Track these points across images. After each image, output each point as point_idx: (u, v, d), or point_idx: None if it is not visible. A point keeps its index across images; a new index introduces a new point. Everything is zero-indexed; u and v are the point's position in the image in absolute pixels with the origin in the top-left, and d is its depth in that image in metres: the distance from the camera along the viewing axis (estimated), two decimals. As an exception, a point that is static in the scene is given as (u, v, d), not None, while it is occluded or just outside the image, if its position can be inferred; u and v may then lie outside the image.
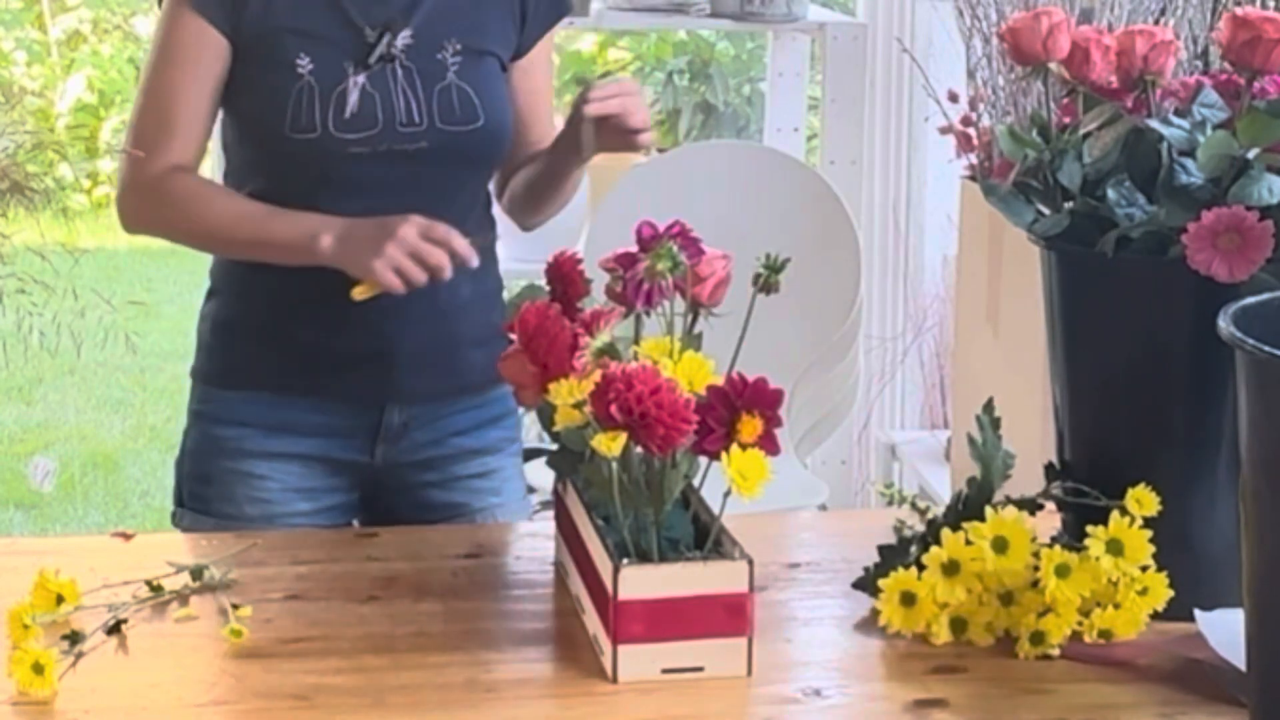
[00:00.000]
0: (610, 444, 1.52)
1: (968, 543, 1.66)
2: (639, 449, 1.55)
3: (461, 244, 2.00)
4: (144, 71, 2.19)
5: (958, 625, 1.67)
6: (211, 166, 3.06)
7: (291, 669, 1.61)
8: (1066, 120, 1.74)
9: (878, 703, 1.59)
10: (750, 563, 1.58)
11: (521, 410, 2.18)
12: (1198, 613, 1.63)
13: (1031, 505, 1.72)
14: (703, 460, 1.59)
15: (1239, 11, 1.68)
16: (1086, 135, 1.71)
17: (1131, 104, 1.73)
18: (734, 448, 1.54)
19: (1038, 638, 1.64)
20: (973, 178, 2.83)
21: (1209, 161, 1.63)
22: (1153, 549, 1.63)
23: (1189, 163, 1.65)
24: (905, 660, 1.65)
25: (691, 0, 3.74)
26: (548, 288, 1.81)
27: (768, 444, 1.56)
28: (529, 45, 2.23)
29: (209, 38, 2.11)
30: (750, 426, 1.55)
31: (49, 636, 1.60)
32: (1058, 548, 1.65)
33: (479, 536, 1.98)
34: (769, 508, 1.73)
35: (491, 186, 2.28)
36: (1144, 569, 1.63)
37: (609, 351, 1.61)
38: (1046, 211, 1.72)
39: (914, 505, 1.85)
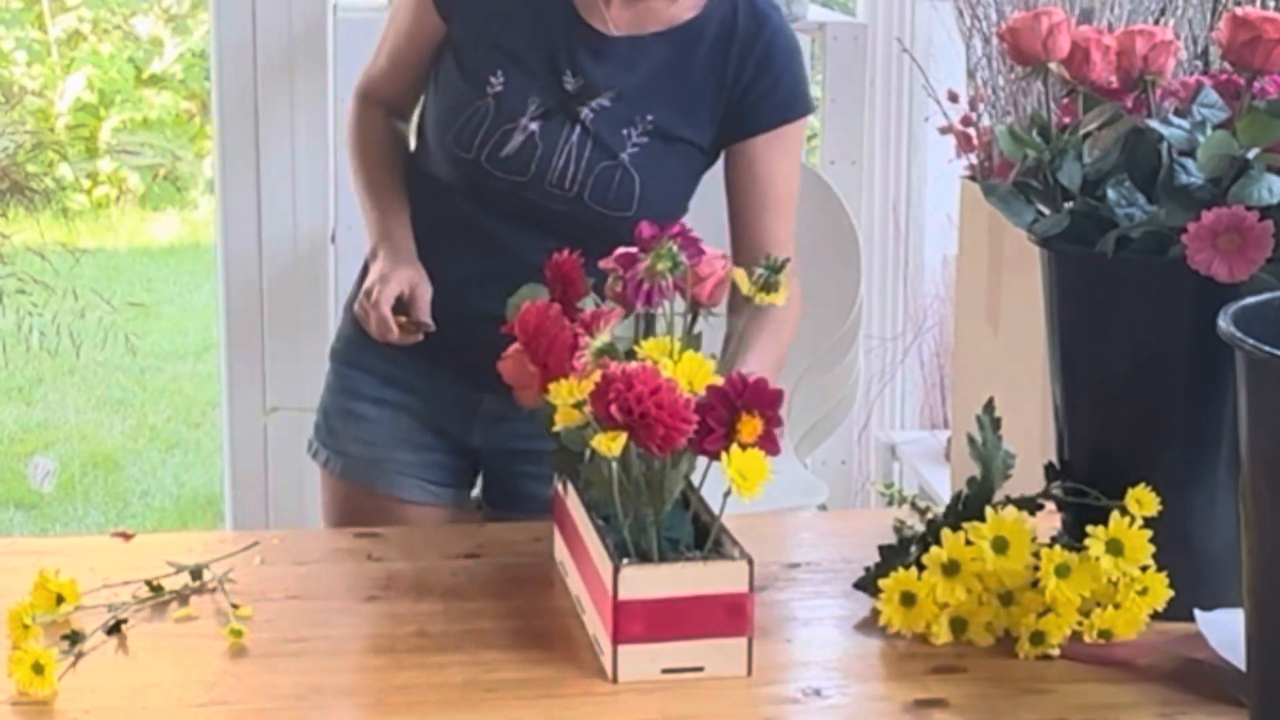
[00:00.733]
0: (610, 444, 1.52)
1: (968, 543, 1.66)
2: (639, 449, 1.55)
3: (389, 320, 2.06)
4: (387, 11, 2.27)
5: (958, 625, 1.67)
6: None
7: (291, 669, 1.61)
8: (1066, 120, 1.74)
9: (878, 703, 1.59)
10: (750, 563, 1.58)
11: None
12: (1198, 613, 1.63)
13: (1031, 505, 1.72)
14: (703, 460, 1.59)
15: (1239, 11, 1.68)
16: (1086, 135, 1.71)
17: (1131, 104, 1.73)
18: (734, 448, 1.54)
19: (1038, 638, 1.64)
20: (973, 178, 2.84)
21: (1209, 161, 1.63)
22: (1153, 549, 1.63)
23: (1189, 163, 1.65)
24: (905, 660, 1.65)
25: (692, 0, 3.74)
26: (548, 288, 1.81)
27: (768, 444, 1.56)
28: (732, 138, 2.12)
29: (428, 14, 2.15)
30: (750, 426, 1.55)
31: (49, 636, 1.61)
32: (1058, 548, 1.65)
33: (479, 536, 1.98)
34: (769, 508, 1.73)
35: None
36: (1144, 569, 1.63)
37: (609, 351, 1.61)
38: (1046, 211, 1.72)
39: (914, 505, 1.85)
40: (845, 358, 3.41)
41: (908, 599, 1.67)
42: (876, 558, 1.76)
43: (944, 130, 2.72)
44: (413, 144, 2.29)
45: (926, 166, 4.03)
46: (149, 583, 1.76)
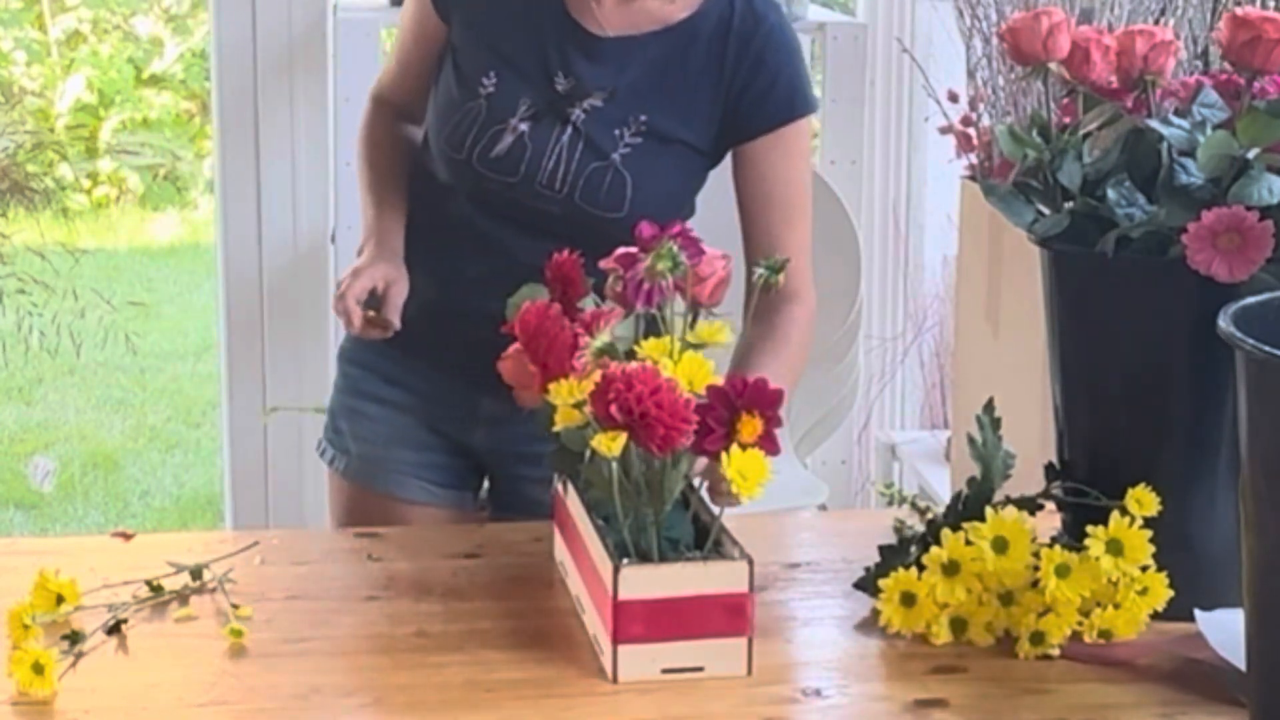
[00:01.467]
0: (610, 444, 1.52)
1: (968, 543, 1.66)
2: (639, 449, 1.55)
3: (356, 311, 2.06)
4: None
5: (958, 625, 1.67)
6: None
7: (291, 669, 1.61)
8: (1066, 120, 1.74)
9: (878, 703, 1.59)
10: (750, 563, 1.58)
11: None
12: (1198, 613, 1.63)
13: (1031, 505, 1.72)
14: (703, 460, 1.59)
15: (1239, 11, 1.68)
16: (1086, 135, 1.71)
17: (1131, 104, 1.73)
18: (734, 448, 1.54)
19: (1038, 638, 1.64)
20: (973, 178, 2.84)
21: (1209, 161, 1.63)
22: (1153, 549, 1.63)
23: (1189, 163, 1.65)
24: (905, 660, 1.65)
25: (691, 0, 3.74)
26: (548, 288, 1.81)
27: (768, 444, 1.56)
28: (737, 140, 2.09)
29: (429, 16, 2.16)
30: (750, 426, 1.55)
31: (49, 636, 1.61)
32: (1058, 548, 1.65)
33: (479, 536, 1.98)
34: (769, 508, 1.73)
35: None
36: (1144, 569, 1.63)
37: (609, 351, 1.61)
38: (1046, 211, 1.72)
39: (914, 505, 1.85)
40: (845, 358, 3.41)
41: (908, 599, 1.67)
42: (876, 558, 1.76)
43: (944, 130, 2.72)
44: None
45: (926, 166, 4.03)
46: (149, 583, 1.76)
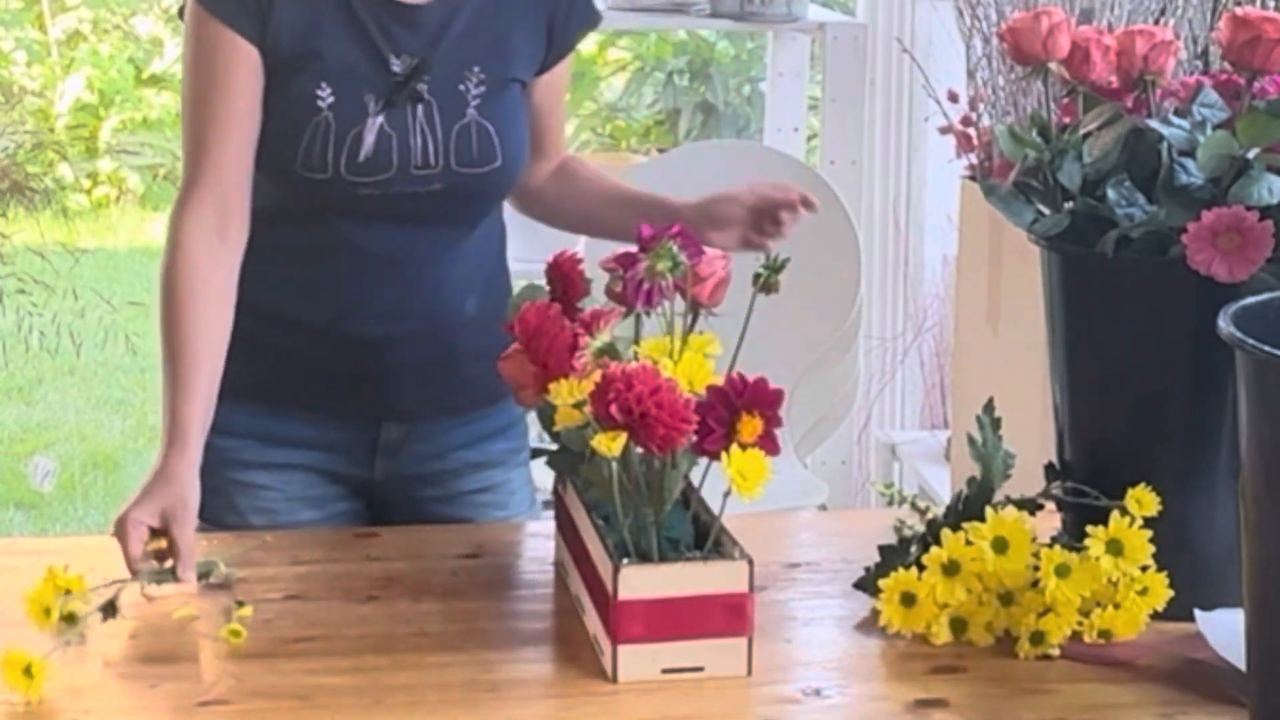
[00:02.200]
0: (610, 444, 1.52)
1: (968, 543, 1.66)
2: (639, 449, 1.55)
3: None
4: (182, 92, 2.05)
5: (958, 625, 1.67)
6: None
7: (291, 669, 1.61)
8: (1066, 120, 1.74)
9: (878, 703, 1.59)
10: (750, 563, 1.58)
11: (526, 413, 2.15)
12: (1198, 613, 1.63)
13: (1031, 505, 1.72)
14: (703, 460, 1.59)
15: (1239, 11, 1.68)
16: (1086, 135, 1.71)
17: (1131, 104, 1.73)
18: (734, 448, 1.54)
19: (1038, 638, 1.64)
20: (973, 178, 2.84)
21: (1209, 161, 1.63)
22: (1153, 549, 1.63)
23: (1189, 163, 1.65)
24: (905, 660, 1.65)
25: (691, 0, 3.74)
26: (548, 288, 1.81)
27: (768, 444, 1.56)
28: (555, 61, 2.11)
29: (240, 51, 1.97)
30: (750, 426, 1.55)
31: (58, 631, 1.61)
32: (1058, 548, 1.65)
33: (479, 536, 1.98)
34: (769, 508, 1.73)
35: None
36: (1144, 569, 1.63)
37: (609, 351, 1.61)
38: (1046, 211, 1.72)
39: (914, 505, 1.85)
40: (845, 358, 3.42)
41: (908, 599, 1.67)
42: (876, 558, 1.76)
43: (944, 130, 2.72)
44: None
45: (926, 166, 4.03)
46: (157, 556, 1.74)
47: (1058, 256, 1.74)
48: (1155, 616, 1.65)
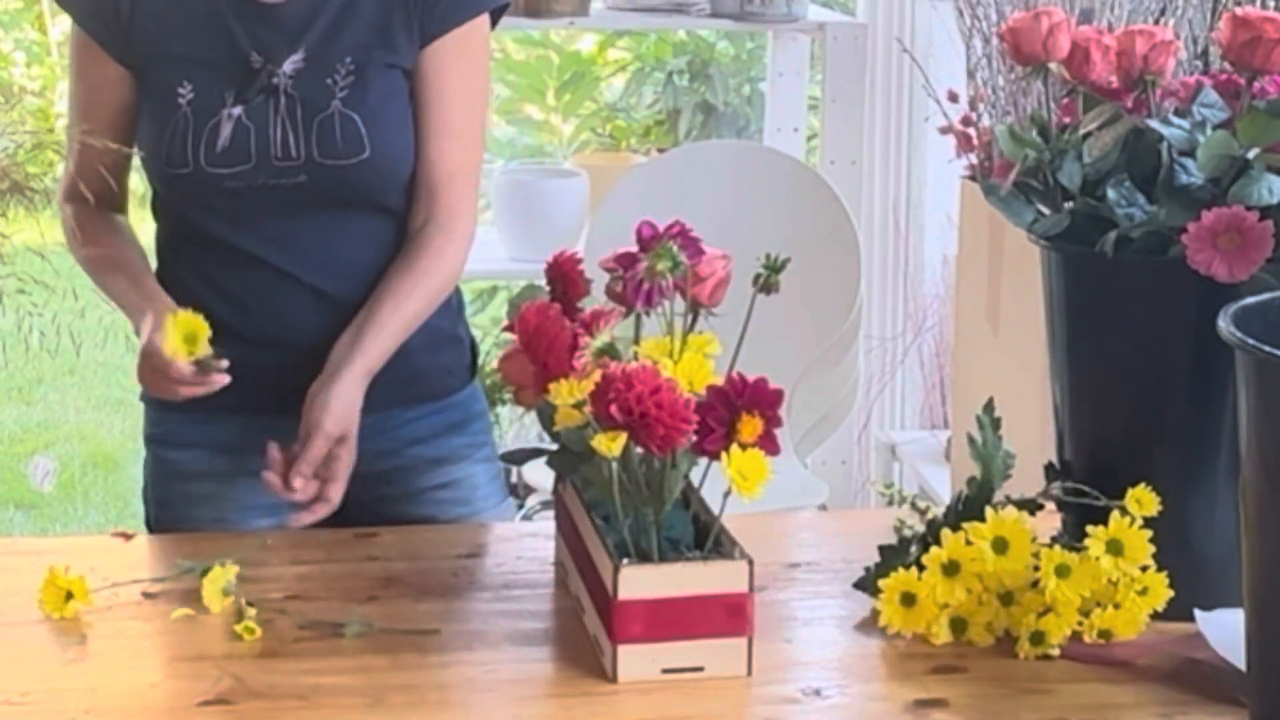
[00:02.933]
0: (610, 444, 1.52)
1: (968, 543, 1.66)
2: (639, 449, 1.55)
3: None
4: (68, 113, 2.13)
5: (958, 625, 1.67)
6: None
7: (291, 669, 1.61)
8: (1066, 120, 1.74)
9: (878, 703, 1.59)
10: (750, 563, 1.58)
11: (503, 410, 2.14)
12: (1198, 613, 1.63)
13: (1031, 505, 1.72)
14: (703, 460, 1.59)
15: (1239, 11, 1.68)
16: (1086, 135, 1.71)
17: (1131, 104, 1.73)
18: (734, 448, 1.54)
19: (1038, 638, 1.64)
20: (973, 178, 2.84)
21: (1209, 161, 1.63)
22: (1153, 549, 1.63)
23: (1189, 163, 1.65)
24: (905, 660, 1.65)
25: (691, 0, 3.74)
26: (548, 288, 1.81)
27: (768, 444, 1.56)
28: (427, 42, 2.05)
29: (107, 66, 2.05)
30: (750, 426, 1.55)
31: (59, 631, 1.61)
32: (1058, 548, 1.65)
33: (479, 536, 1.98)
34: (769, 508, 1.73)
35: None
36: (1144, 569, 1.63)
37: (609, 351, 1.61)
38: (1046, 211, 1.72)
39: (914, 505, 1.85)
40: (845, 358, 3.42)
41: (908, 599, 1.67)
42: (876, 558, 1.76)
43: (944, 130, 2.72)
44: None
45: (926, 166, 4.03)
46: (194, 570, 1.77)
47: (1058, 256, 1.74)
48: (1155, 616, 1.65)
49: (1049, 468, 1.77)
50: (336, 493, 1.96)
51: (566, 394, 1.58)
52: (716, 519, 1.62)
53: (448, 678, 1.60)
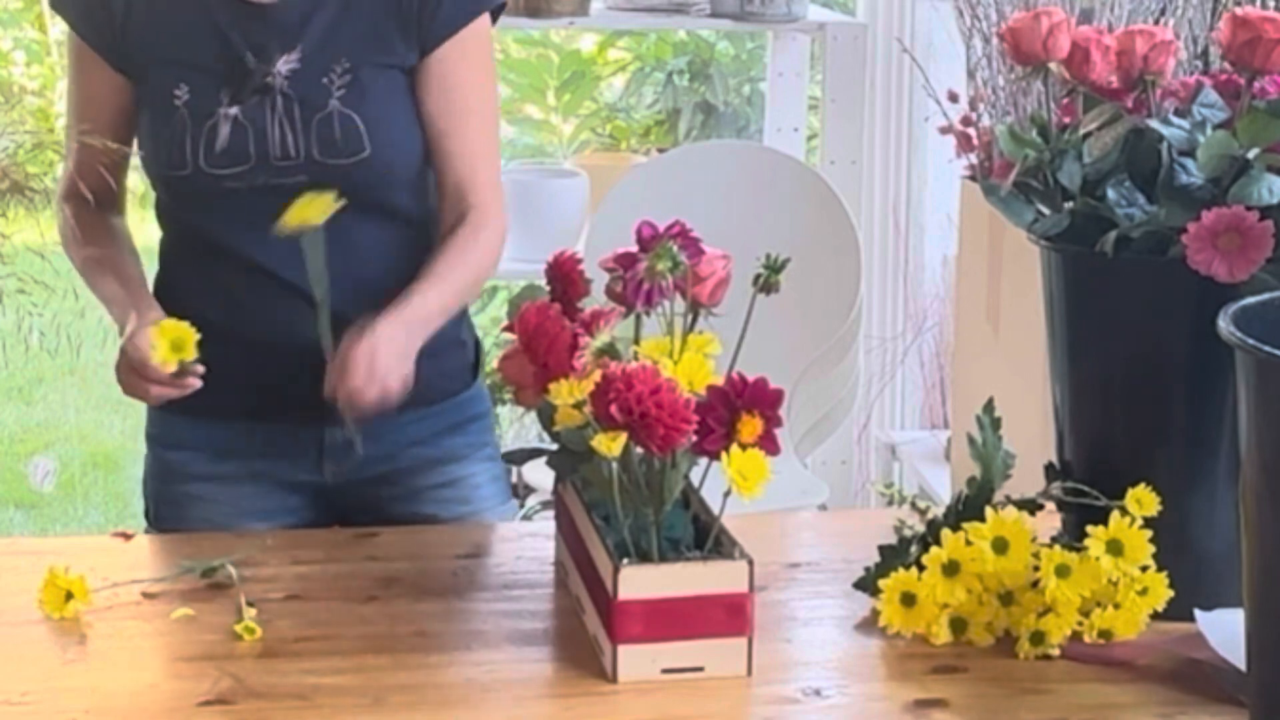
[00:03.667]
0: (610, 444, 1.52)
1: (968, 543, 1.66)
2: (639, 449, 1.55)
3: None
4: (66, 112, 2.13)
5: (958, 625, 1.67)
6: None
7: (291, 669, 1.61)
8: (1066, 120, 1.74)
9: (878, 703, 1.59)
10: (750, 563, 1.58)
11: (503, 410, 2.13)
12: (1198, 613, 1.63)
13: (1031, 505, 1.72)
14: (703, 460, 1.59)
15: (1239, 11, 1.68)
16: (1086, 135, 1.71)
17: (1131, 104, 1.73)
18: (734, 448, 1.54)
19: (1038, 638, 1.64)
20: (973, 178, 2.84)
21: (1209, 161, 1.63)
22: (1153, 549, 1.63)
23: (1189, 163, 1.65)
24: (905, 660, 1.65)
25: (691, 0, 3.74)
26: (547, 288, 1.81)
27: (768, 444, 1.56)
28: (430, 49, 2.06)
29: (103, 71, 2.06)
30: (750, 426, 1.55)
31: (59, 631, 1.61)
32: (1058, 548, 1.65)
33: (479, 536, 1.98)
34: (769, 508, 1.73)
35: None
36: (1144, 569, 1.63)
37: (609, 351, 1.61)
38: (1046, 211, 1.72)
39: (914, 505, 1.85)
40: (845, 358, 3.42)
41: (908, 599, 1.67)
42: (876, 558, 1.76)
43: (944, 130, 2.72)
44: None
45: (926, 166, 4.03)
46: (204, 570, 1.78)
47: (1058, 256, 1.74)
48: (1155, 616, 1.65)
49: (1049, 468, 1.77)
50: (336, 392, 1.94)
51: (566, 394, 1.58)
52: (716, 519, 1.62)
53: (448, 678, 1.60)
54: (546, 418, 1.69)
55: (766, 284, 1.67)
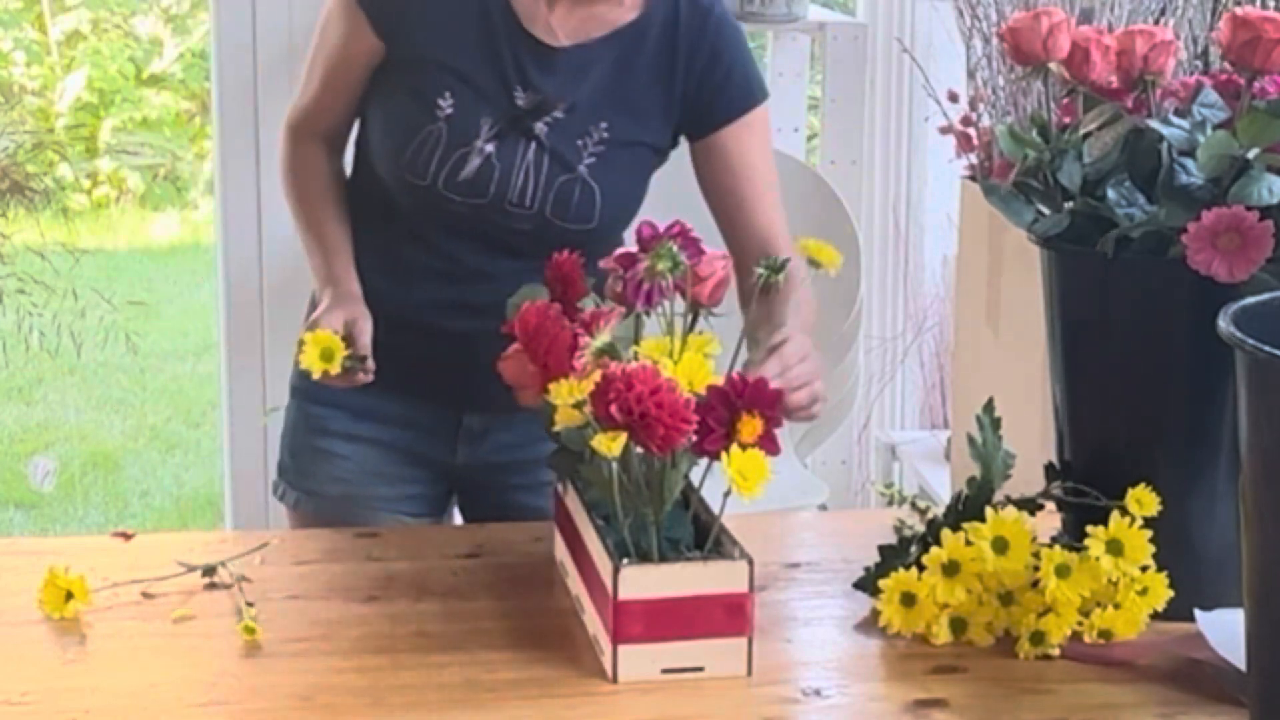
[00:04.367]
0: (610, 444, 1.52)
1: (968, 543, 1.66)
2: (639, 449, 1.55)
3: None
4: (314, 36, 2.16)
5: (958, 625, 1.67)
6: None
7: (291, 669, 1.61)
8: (1066, 120, 1.74)
9: (878, 703, 1.59)
10: (750, 563, 1.58)
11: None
12: (1198, 613, 1.63)
13: (1031, 505, 1.72)
14: (703, 460, 1.59)
15: (1239, 11, 1.68)
16: (1086, 135, 1.71)
17: (1131, 104, 1.73)
18: (734, 448, 1.54)
19: (1038, 638, 1.64)
20: (973, 178, 2.84)
21: (1209, 161, 1.63)
22: (1153, 549, 1.63)
23: (1189, 163, 1.65)
24: (905, 660, 1.65)
25: (691, 0, 3.74)
26: (548, 288, 1.81)
27: (768, 444, 1.56)
28: (703, 134, 2.10)
29: (363, 36, 2.07)
30: (750, 426, 1.55)
31: (59, 631, 1.61)
32: (1058, 548, 1.65)
33: (479, 536, 1.98)
34: (769, 508, 1.73)
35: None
36: (1144, 569, 1.63)
37: (609, 351, 1.61)
38: (1046, 211, 1.72)
39: (914, 505, 1.85)
40: (845, 358, 3.41)
41: (908, 599, 1.67)
42: (876, 558, 1.76)
43: (944, 130, 2.72)
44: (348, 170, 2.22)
45: (926, 166, 4.03)
46: (206, 570, 1.79)
47: (1058, 256, 1.74)
48: (1155, 616, 1.65)
49: (1049, 468, 1.77)
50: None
51: (566, 394, 1.58)
52: (716, 519, 1.62)
53: (448, 678, 1.60)
54: (546, 418, 1.69)
55: (766, 284, 1.67)
